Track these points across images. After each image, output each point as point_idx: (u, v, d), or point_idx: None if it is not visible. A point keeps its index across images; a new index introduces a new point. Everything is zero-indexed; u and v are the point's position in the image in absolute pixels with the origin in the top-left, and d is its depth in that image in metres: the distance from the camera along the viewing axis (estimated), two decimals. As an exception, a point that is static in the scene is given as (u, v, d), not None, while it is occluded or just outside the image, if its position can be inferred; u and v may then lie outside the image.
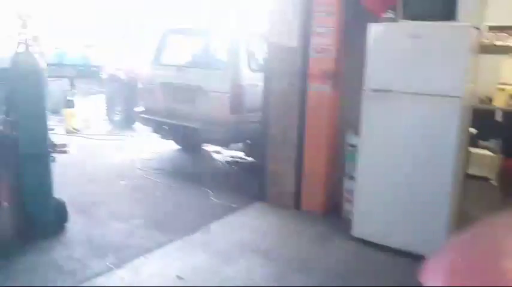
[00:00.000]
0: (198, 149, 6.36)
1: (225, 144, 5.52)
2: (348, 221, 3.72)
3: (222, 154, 6.26)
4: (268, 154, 4.30)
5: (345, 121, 3.90)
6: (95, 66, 7.40)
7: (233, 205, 4.22)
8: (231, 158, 6.05)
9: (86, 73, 7.34)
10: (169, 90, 5.41)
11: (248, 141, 5.33)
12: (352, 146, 3.79)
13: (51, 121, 7.74)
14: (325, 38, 3.70)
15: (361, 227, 3.48)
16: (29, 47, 3.32)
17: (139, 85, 5.77)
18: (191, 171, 5.39)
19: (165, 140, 6.01)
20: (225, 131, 4.92)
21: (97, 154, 5.96)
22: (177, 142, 6.20)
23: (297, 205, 4.19)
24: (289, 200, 4.22)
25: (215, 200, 4.37)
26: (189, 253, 3.25)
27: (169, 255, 3.22)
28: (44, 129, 3.36)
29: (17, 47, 3.30)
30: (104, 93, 8.38)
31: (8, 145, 3.27)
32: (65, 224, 3.52)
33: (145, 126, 5.98)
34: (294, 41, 3.82)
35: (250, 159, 5.84)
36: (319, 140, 3.92)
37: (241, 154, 6.13)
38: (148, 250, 3.25)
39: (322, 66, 3.74)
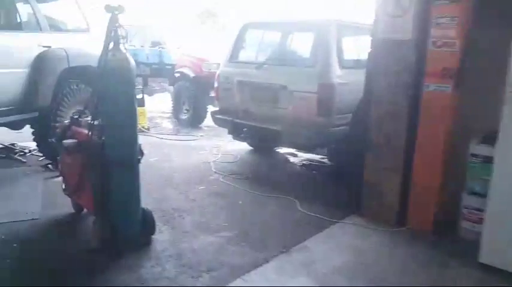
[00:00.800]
0: (272, 151, 5.94)
1: (310, 149, 5.06)
2: (467, 243, 3.15)
3: (297, 157, 5.81)
4: (367, 161, 3.80)
5: (467, 127, 3.31)
6: (169, 65, 7.16)
7: (325, 218, 3.76)
8: (308, 162, 5.59)
9: (160, 72, 7.12)
10: (247, 89, 5.02)
11: (333, 145, 4.85)
12: (476, 156, 3.20)
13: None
14: (448, 29, 3.13)
15: (492, 253, 2.90)
16: (120, 44, 3.02)
17: (215, 84, 5.43)
18: (271, 176, 4.98)
19: (240, 141, 5.65)
20: (311, 135, 4.47)
21: (170, 155, 5.70)
22: (253, 144, 5.80)
23: (401, 221, 3.65)
24: (391, 215, 3.69)
25: (303, 211, 3.92)
26: (291, 276, 2.83)
27: (268, 278, 2.81)
28: (134, 134, 3.06)
29: (106, 44, 3.00)
30: (171, 91, 8.18)
31: (94, 151, 3.00)
32: (152, 236, 3.22)
33: (219, 127, 5.63)
34: (408, 34, 3.28)
35: (328, 162, 5.36)
36: (433, 148, 3.35)
37: (318, 157, 5.67)
38: (244, 270, 2.86)
39: (443, 63, 3.18)
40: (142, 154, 3.21)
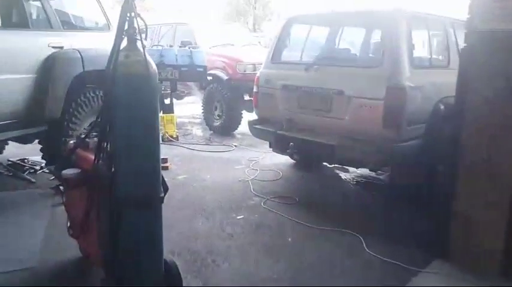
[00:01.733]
0: (320, 166, 5.03)
1: (374, 167, 4.13)
2: None
3: (349, 172, 4.89)
4: (459, 188, 2.86)
5: None
6: (200, 67, 6.34)
7: (403, 265, 2.85)
8: (363, 179, 4.66)
9: (190, 75, 6.32)
10: (294, 95, 4.15)
11: (401, 163, 3.90)
12: None
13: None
14: None
15: None
16: (137, 41, 2.21)
17: (254, 89, 4.58)
18: (322, 199, 4.08)
19: (282, 155, 4.79)
20: (375, 152, 3.55)
21: (201, 171, 4.90)
22: (299, 159, 4.90)
23: (508, 271, 2.70)
24: (493, 262, 2.75)
25: (372, 253, 3.02)
26: None
27: None
28: (155, 164, 2.24)
29: (118, 40, 2.21)
30: (202, 95, 7.39)
31: (101, 187, 2.20)
32: (178, 298, 2.40)
33: (260, 139, 4.79)
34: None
35: (390, 181, 4.42)
36: None
37: (373, 173, 4.74)
38: None
39: None
40: (166, 189, 2.38)
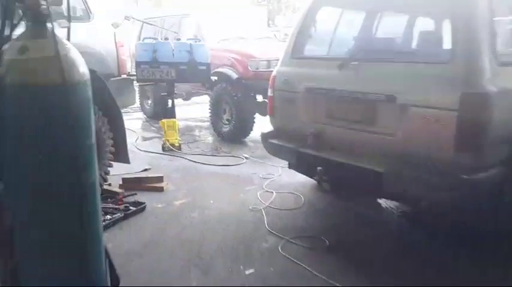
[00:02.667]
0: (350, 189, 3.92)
1: (444, 209, 2.96)
2: None
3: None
4: None
5: None
6: (203, 64, 5.25)
7: None
8: (412, 210, 3.53)
9: (190, 74, 5.22)
10: (323, 101, 3.06)
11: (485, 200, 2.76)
12: None
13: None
14: None
15: None
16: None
17: (269, 92, 3.50)
18: (363, 241, 2.98)
19: (306, 176, 3.71)
20: (445, 185, 2.44)
21: (204, 193, 3.85)
22: (330, 188, 3.78)
23: None
24: None
25: None
26: None
27: None
28: (92, 245, 1.20)
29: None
30: (209, 96, 6.33)
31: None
32: None
33: (277, 157, 3.71)
34: None
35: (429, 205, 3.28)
36: None
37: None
38: None
39: None
40: (116, 282, 1.33)
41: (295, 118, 3.25)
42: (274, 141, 3.39)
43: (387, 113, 2.71)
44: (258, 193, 3.83)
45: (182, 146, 5.53)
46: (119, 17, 6.55)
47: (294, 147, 3.17)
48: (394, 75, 2.70)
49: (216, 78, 5.60)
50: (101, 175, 3.53)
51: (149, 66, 5.11)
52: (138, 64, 5.14)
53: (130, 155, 5.16)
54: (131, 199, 3.53)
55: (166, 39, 5.56)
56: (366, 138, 2.82)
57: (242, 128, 5.92)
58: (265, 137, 3.50)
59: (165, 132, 5.43)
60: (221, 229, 3.13)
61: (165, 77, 5.21)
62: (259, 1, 24.05)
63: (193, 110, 8.47)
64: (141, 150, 5.44)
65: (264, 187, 4.00)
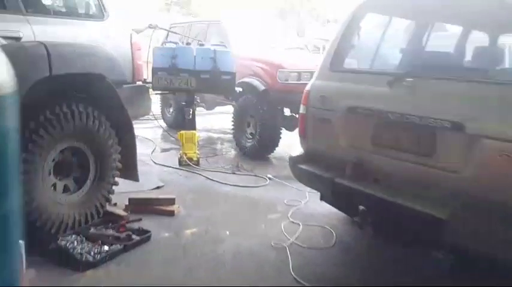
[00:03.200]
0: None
1: None
2: None
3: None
4: None
5: None
6: (227, 73, 4.76)
7: None
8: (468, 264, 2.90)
9: (213, 85, 4.72)
10: (368, 124, 2.50)
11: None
12: None
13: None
14: None
15: None
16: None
17: (300, 109, 2.97)
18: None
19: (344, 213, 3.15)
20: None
21: (219, 221, 3.34)
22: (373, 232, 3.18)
23: None
24: None
25: None
26: None
27: None
28: None
29: None
30: (233, 107, 5.85)
31: None
32: None
33: (307, 186, 3.17)
34: None
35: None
36: None
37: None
38: None
39: None
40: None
41: (332, 142, 2.70)
42: (305, 167, 2.84)
43: (451, 144, 2.14)
44: (282, 224, 3.29)
45: (201, 160, 5.05)
46: (143, 23, 6.22)
47: (329, 176, 2.62)
48: (462, 97, 2.12)
49: (240, 89, 5.08)
50: (103, 194, 3.08)
51: (167, 73, 4.59)
52: (154, 71, 4.64)
53: (144, 169, 4.76)
54: (136, 225, 3.05)
55: (201, 45, 5.12)
56: (421, 173, 2.25)
57: (267, 144, 5.40)
58: (294, 161, 2.97)
59: (182, 145, 4.97)
60: (238, 271, 2.60)
61: (184, 87, 4.68)
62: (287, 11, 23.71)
63: (216, 120, 8.03)
64: (156, 163, 4.98)
65: (289, 216, 3.45)
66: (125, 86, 3.32)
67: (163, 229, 3.10)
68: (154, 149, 5.72)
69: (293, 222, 3.35)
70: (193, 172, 4.67)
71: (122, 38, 3.34)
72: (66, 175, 2.93)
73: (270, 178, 4.50)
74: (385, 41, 2.78)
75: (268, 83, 5.30)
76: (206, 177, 4.50)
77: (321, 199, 2.96)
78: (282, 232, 3.17)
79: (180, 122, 5.99)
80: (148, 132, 6.78)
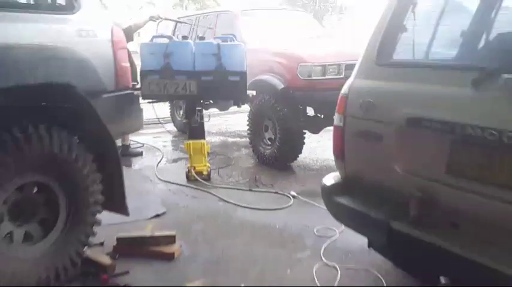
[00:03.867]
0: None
1: None
2: None
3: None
4: None
5: None
6: (235, 74, 3.89)
7: None
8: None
9: (218, 89, 3.83)
10: (442, 143, 1.67)
11: None
12: None
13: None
14: None
15: None
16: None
17: (335, 119, 2.15)
18: None
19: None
20: None
21: (231, 267, 2.57)
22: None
23: None
24: None
25: None
26: None
27: None
28: None
29: None
30: (249, 110, 5.05)
31: None
32: None
33: (349, 228, 2.34)
34: None
35: None
36: None
37: None
38: None
39: None
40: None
41: (384, 166, 1.88)
42: (345, 201, 2.03)
43: None
44: (314, 268, 2.49)
45: (212, 172, 4.30)
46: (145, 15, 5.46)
47: (381, 218, 1.81)
48: None
49: (253, 93, 4.19)
50: (80, 239, 2.36)
51: (159, 76, 3.66)
52: (143, 74, 3.72)
53: (146, 188, 4.05)
54: (121, 279, 2.31)
55: (201, 38, 4.17)
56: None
57: (288, 151, 4.60)
58: (329, 192, 2.15)
59: (190, 157, 4.22)
60: None
61: (181, 93, 3.75)
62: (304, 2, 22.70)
63: (232, 121, 7.27)
64: (160, 179, 4.25)
65: (321, 255, 2.65)
66: (104, 96, 2.57)
67: (158, 282, 2.35)
68: (161, 160, 5.00)
69: (328, 264, 2.55)
70: (202, 190, 3.91)
71: (99, 35, 2.58)
72: (27, 219, 2.22)
73: (294, 196, 3.70)
74: (460, 18, 1.93)
75: (288, 80, 4.48)
76: (218, 197, 3.74)
77: (369, 245, 2.15)
78: (314, 279, 2.39)
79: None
80: (157, 139, 6.08)
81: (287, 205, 3.54)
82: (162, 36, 4.30)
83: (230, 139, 6.27)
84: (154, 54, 3.68)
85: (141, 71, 3.76)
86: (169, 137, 6.26)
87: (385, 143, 1.87)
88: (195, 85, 3.75)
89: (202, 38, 4.20)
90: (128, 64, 2.76)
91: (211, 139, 6.25)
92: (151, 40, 3.99)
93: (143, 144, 5.67)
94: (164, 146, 5.75)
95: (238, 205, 3.54)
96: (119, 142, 5.12)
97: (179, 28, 6.51)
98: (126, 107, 2.77)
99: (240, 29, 5.22)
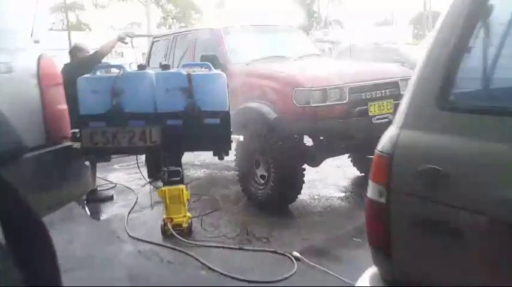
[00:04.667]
0: None
1: None
2: None
3: None
4: None
5: None
6: (214, 115, 2.77)
7: None
8: None
9: (190, 136, 2.76)
10: None
11: None
12: None
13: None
14: None
15: None
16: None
17: (371, 191, 1.37)
18: None
19: None
20: None
21: None
22: None
23: None
24: None
25: None
26: None
27: None
28: None
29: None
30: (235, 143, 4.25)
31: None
32: None
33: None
34: None
35: None
36: None
37: None
38: None
39: None
40: None
41: (462, 272, 1.11)
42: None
43: None
44: None
45: (194, 223, 3.48)
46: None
47: None
48: None
49: (241, 138, 3.30)
50: None
51: (106, 123, 2.69)
52: (82, 120, 2.72)
53: (109, 252, 3.21)
54: None
55: (165, 67, 3.07)
56: None
57: (285, 191, 3.81)
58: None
59: (166, 208, 3.40)
60: None
61: (139, 144, 2.73)
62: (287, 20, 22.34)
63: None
64: (130, 236, 3.41)
65: None
66: (27, 156, 1.75)
67: None
68: (134, 206, 4.15)
69: None
70: (181, 251, 3.08)
71: (17, 69, 1.79)
72: None
73: (297, 258, 2.89)
74: None
75: (281, 107, 3.73)
76: (200, 262, 2.90)
77: None
78: None
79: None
80: (131, 175, 5.22)
81: (289, 274, 2.72)
82: (109, 66, 3.11)
83: (216, 173, 5.45)
84: (98, 92, 2.69)
85: (79, 117, 2.72)
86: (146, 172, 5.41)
87: (469, 244, 1.09)
88: (157, 133, 2.73)
89: (166, 67, 3.13)
90: (64, 106, 1.95)
91: (194, 173, 5.44)
92: (94, 72, 2.89)
93: (115, 184, 4.82)
94: (140, 185, 4.88)
95: (226, 275, 2.72)
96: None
97: (155, 51, 5.74)
98: (61, 167, 1.95)
99: (222, 49, 4.46)
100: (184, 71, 2.88)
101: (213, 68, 2.95)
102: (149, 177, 3.23)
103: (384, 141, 1.34)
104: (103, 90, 2.70)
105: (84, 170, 2.09)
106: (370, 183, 1.37)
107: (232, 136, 3.01)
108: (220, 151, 3.03)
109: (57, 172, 1.92)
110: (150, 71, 2.94)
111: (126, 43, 4.43)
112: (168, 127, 2.78)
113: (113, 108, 2.66)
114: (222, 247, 3.14)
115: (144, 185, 4.73)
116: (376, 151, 1.35)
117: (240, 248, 3.11)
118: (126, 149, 2.92)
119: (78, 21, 38.69)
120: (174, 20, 37.88)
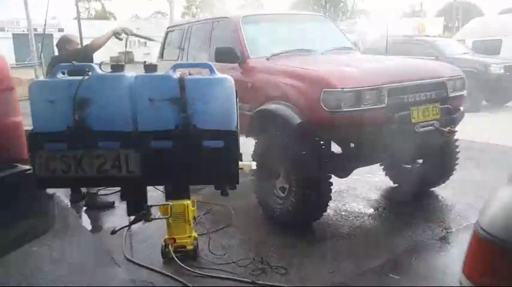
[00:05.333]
0: None
1: None
2: None
3: None
4: None
5: None
6: (214, 136, 2.02)
7: None
8: None
9: (184, 165, 1.94)
10: None
11: None
12: None
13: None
14: None
15: None
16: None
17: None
18: None
19: None
20: None
21: None
22: None
23: None
24: None
25: None
26: None
27: None
28: None
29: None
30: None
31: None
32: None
33: None
34: None
35: None
36: None
37: None
38: None
39: None
40: None
41: None
42: None
43: None
44: None
45: (202, 242, 2.98)
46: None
47: None
48: None
49: (253, 165, 2.53)
50: None
51: (67, 145, 1.95)
52: (35, 140, 1.92)
53: (101, 280, 2.74)
54: None
55: (149, 68, 2.18)
56: None
57: (309, 205, 3.24)
58: None
59: (168, 227, 2.89)
60: None
61: (111, 173, 1.98)
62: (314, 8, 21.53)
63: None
64: (127, 259, 2.93)
65: None
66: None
67: None
68: (136, 219, 3.66)
69: None
70: (182, 283, 2.57)
71: None
72: None
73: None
74: None
75: (307, 111, 3.14)
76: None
77: None
78: None
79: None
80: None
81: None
82: (75, 66, 2.22)
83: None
84: (56, 102, 1.93)
85: (31, 136, 1.91)
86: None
87: None
88: (136, 159, 1.99)
89: (150, 68, 2.22)
90: (18, 118, 1.44)
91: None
92: (55, 74, 2.04)
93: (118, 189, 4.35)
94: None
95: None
96: (83, 189, 3.87)
97: (169, 42, 5.24)
98: (14, 198, 1.45)
99: (240, 40, 3.90)
100: (175, 75, 2.09)
101: (215, 70, 2.19)
102: (128, 215, 2.64)
103: (493, 214, 0.76)
104: (63, 99, 1.92)
105: (47, 200, 1.59)
106: (463, 277, 0.80)
107: (241, 163, 2.28)
108: (223, 182, 2.26)
109: (7, 205, 1.42)
110: (129, 74, 2.11)
111: (121, 39, 3.92)
112: (152, 151, 2.03)
113: (76, 125, 1.92)
114: (231, 280, 2.62)
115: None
116: (476, 227, 0.78)
117: (252, 283, 2.58)
118: (93, 181, 2.11)
119: (104, 10, 38.78)
120: (197, 9, 37.48)
